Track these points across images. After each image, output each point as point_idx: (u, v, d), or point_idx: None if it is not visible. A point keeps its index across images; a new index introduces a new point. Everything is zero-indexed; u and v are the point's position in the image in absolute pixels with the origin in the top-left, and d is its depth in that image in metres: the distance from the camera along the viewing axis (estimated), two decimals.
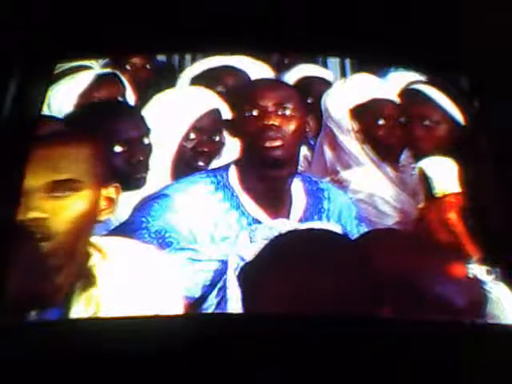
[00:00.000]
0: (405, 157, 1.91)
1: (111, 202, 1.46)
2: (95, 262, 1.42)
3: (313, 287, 1.37)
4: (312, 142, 1.98)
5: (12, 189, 1.44)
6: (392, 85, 1.97)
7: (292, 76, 2.03)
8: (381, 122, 1.89)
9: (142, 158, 1.70)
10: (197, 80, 1.97)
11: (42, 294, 1.38)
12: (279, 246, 1.46)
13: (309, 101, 1.92)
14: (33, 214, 1.37)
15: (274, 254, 1.45)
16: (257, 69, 1.97)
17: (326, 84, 2.08)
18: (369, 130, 1.90)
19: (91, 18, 1.78)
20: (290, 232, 1.50)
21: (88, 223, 1.43)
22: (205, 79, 1.96)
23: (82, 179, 1.41)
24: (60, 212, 1.38)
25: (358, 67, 2.08)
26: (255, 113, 1.64)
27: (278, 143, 1.63)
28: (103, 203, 1.45)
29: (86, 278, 1.40)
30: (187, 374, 1.36)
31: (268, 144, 1.63)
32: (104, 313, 1.39)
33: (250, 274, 1.44)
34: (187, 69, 2.03)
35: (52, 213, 1.38)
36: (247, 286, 1.43)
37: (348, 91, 1.94)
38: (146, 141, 1.72)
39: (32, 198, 1.38)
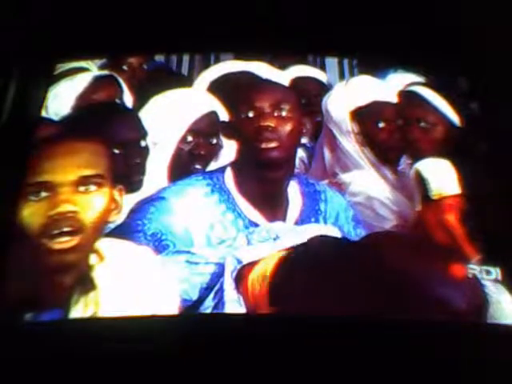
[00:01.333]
0: (404, 160, 1.91)
1: (117, 203, 1.47)
2: (93, 263, 1.42)
3: (313, 289, 1.37)
4: (308, 145, 1.98)
5: (12, 189, 1.44)
6: (392, 87, 1.97)
7: (284, 77, 2.02)
8: (381, 124, 1.88)
9: (138, 161, 1.70)
10: (215, 84, 1.97)
11: (44, 294, 1.38)
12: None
13: (302, 101, 1.91)
14: (66, 207, 1.37)
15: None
16: (273, 75, 1.96)
17: (319, 84, 2.08)
18: (369, 132, 1.89)
19: (91, 18, 1.78)
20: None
21: (103, 222, 1.44)
22: (223, 84, 1.95)
23: (105, 175, 1.43)
24: (88, 207, 1.40)
25: (357, 68, 2.08)
26: (251, 114, 1.63)
27: (274, 144, 1.61)
28: (112, 204, 1.46)
29: (86, 280, 1.40)
30: (186, 373, 1.36)
31: (264, 145, 1.61)
32: (103, 314, 1.39)
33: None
34: (204, 72, 2.03)
35: (82, 207, 1.39)
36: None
37: (349, 93, 1.93)
38: (142, 143, 1.72)
39: (61, 191, 1.38)
